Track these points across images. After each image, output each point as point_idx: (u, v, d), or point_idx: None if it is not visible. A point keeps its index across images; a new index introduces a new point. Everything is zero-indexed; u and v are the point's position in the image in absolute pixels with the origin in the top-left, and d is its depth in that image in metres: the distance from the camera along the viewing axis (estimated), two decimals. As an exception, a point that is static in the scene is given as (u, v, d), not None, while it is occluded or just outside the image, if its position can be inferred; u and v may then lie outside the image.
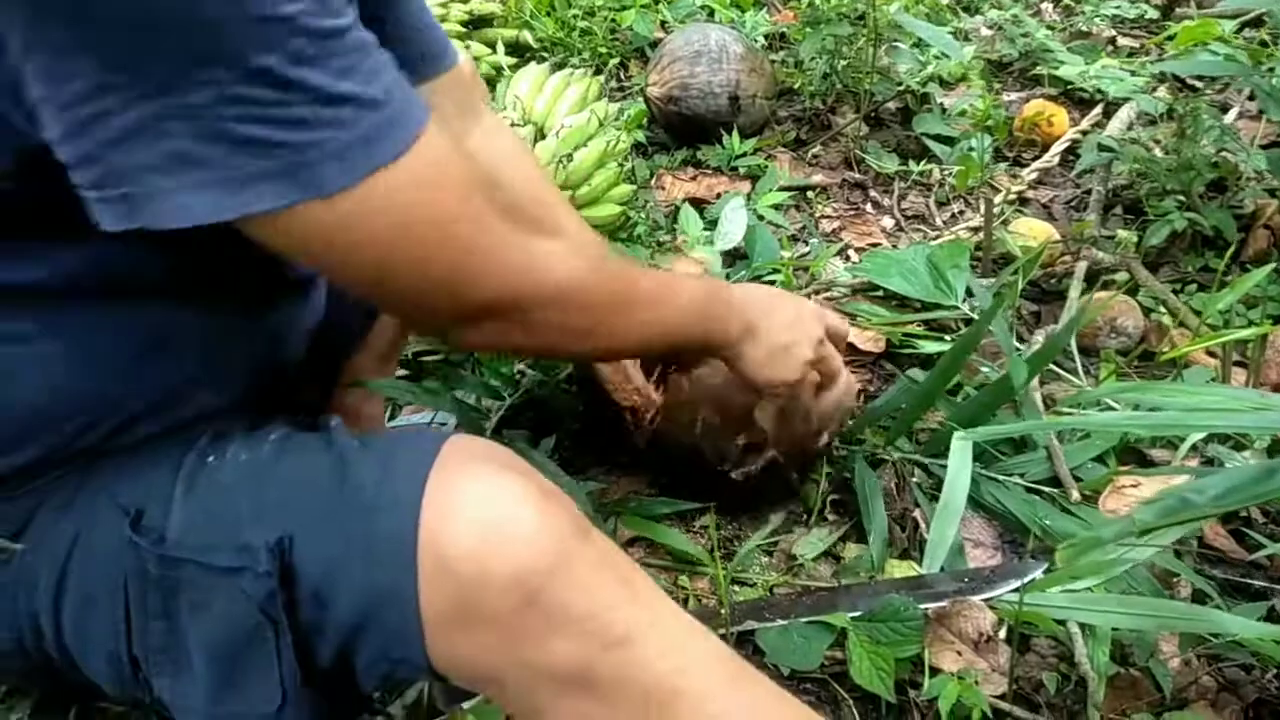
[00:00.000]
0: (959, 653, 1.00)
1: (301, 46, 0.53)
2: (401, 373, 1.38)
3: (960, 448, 1.05)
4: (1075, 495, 1.12)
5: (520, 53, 2.28)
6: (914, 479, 1.19)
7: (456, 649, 0.61)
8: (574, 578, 0.61)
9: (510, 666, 0.61)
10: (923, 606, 0.99)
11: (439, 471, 0.62)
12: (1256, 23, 1.97)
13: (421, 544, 0.60)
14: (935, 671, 0.97)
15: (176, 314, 0.69)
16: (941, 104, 2.06)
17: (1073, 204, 1.82)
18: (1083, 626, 0.97)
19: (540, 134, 1.62)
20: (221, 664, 0.63)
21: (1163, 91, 2.02)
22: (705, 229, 1.69)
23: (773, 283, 1.57)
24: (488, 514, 0.61)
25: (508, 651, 0.61)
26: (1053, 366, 1.35)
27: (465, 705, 0.89)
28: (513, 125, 1.54)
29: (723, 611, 1.01)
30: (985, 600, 1.02)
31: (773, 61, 2.13)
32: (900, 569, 1.10)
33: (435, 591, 0.59)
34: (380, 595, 0.61)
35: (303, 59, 0.53)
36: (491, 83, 2.22)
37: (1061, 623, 0.98)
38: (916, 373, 1.34)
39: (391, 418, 1.33)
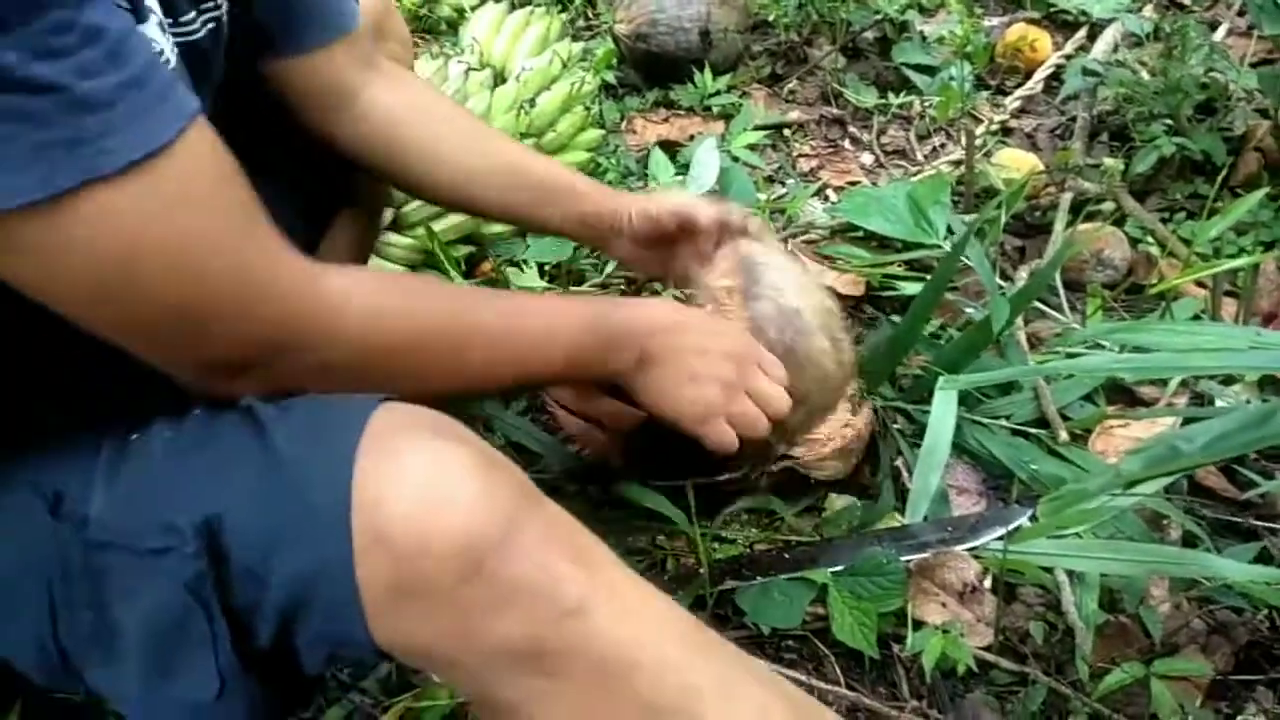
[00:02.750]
0: (943, 604, 0.98)
1: None
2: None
3: (944, 396, 1.02)
4: (1063, 435, 1.09)
5: (482, -8, 2.18)
6: (895, 426, 1.16)
7: (399, 625, 0.58)
8: (521, 548, 0.57)
9: (458, 643, 0.58)
10: (906, 558, 0.97)
11: (370, 440, 0.58)
12: (1247, -67, 1.89)
13: (356, 515, 0.56)
14: (919, 625, 0.94)
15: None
16: (921, 32, 1.98)
17: (1057, 132, 1.76)
18: (1070, 574, 0.95)
19: (500, 78, 1.54)
20: (154, 651, 0.59)
21: (1149, 10, 1.94)
22: (678, 173, 1.62)
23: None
24: (426, 482, 0.56)
25: (453, 626, 0.57)
26: (1037, 303, 1.31)
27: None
28: (469, 70, 1.46)
29: (701, 571, 0.98)
30: (969, 550, 0.99)
31: (745, -8, 2.04)
32: (883, 519, 1.07)
33: (373, 564, 0.56)
34: (316, 571, 0.57)
35: None
36: (453, 25, 2.13)
37: (1048, 570, 0.95)
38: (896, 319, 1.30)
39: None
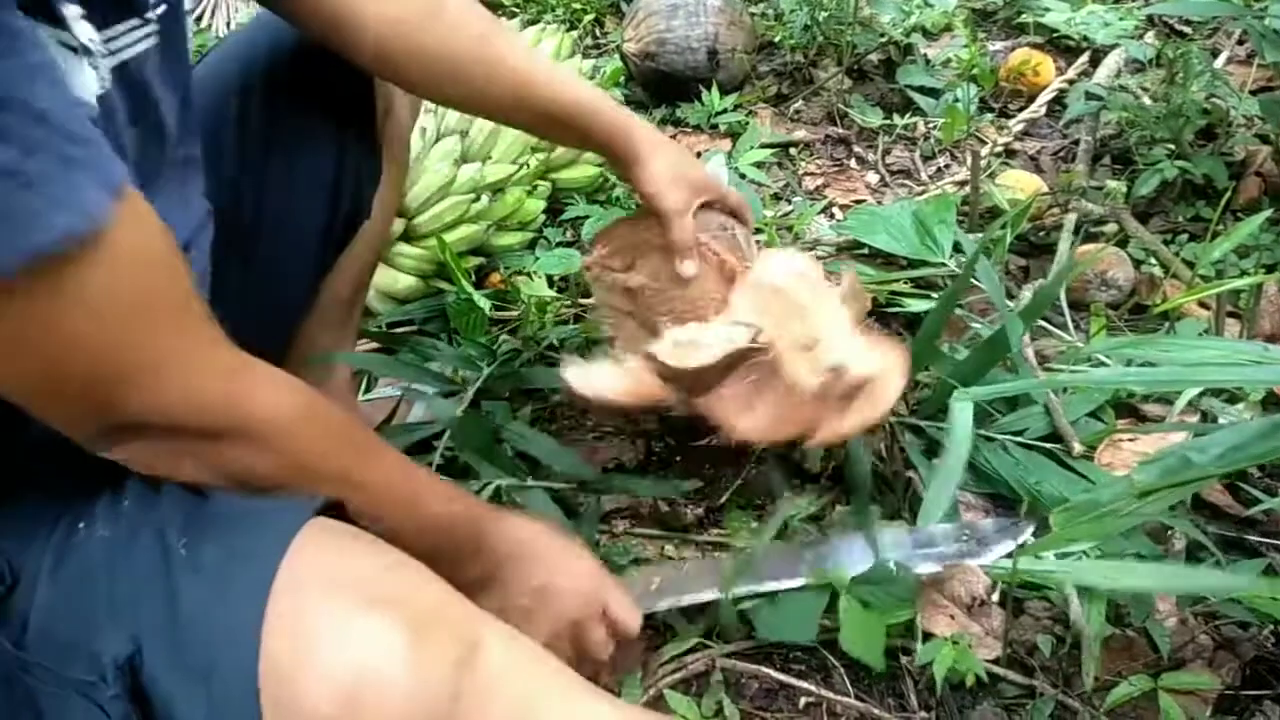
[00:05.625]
0: (952, 617, 0.98)
1: None
2: (372, 346, 1.34)
3: (961, 408, 1.02)
4: (1078, 448, 1.09)
5: (492, 10, 2.21)
6: (902, 441, 1.16)
7: None
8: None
9: None
10: (919, 569, 0.97)
11: (283, 604, 0.54)
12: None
13: (270, 701, 0.52)
14: (928, 636, 0.95)
15: None
16: (925, 55, 2.01)
17: (1060, 155, 1.78)
18: (1078, 589, 0.95)
19: (512, 93, 1.56)
20: None
21: (1151, 37, 1.97)
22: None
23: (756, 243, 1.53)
24: (349, 676, 0.52)
25: None
26: (1042, 322, 1.32)
27: None
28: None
29: (724, 598, 0.98)
30: (979, 564, 1.00)
31: (752, 14, 2.07)
32: (888, 533, 1.07)
33: None
34: None
35: None
36: (462, 42, 2.15)
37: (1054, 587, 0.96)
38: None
39: (366, 390, 1.29)
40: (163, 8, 0.67)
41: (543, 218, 1.58)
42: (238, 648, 0.53)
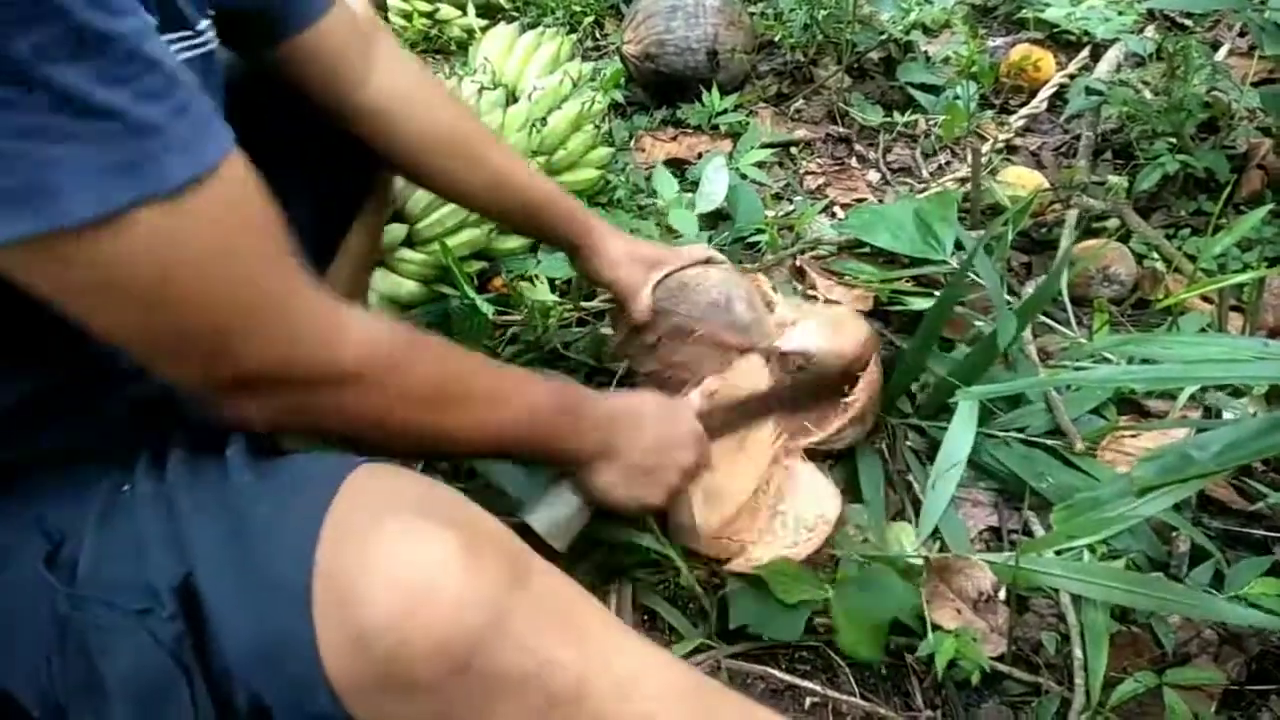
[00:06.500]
0: (958, 610, 0.98)
1: (54, 39, 0.46)
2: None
3: (964, 407, 1.03)
4: (1080, 445, 1.09)
5: (491, 14, 2.22)
6: (907, 441, 1.17)
7: (381, 709, 0.56)
8: (510, 636, 0.56)
9: None
10: None
11: (341, 518, 0.57)
12: (1246, -44, 1.91)
13: (328, 611, 0.54)
14: (935, 628, 0.95)
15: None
16: (925, 52, 2.01)
17: (1062, 150, 1.78)
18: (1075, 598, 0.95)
19: (512, 97, 1.56)
20: (139, 712, 0.58)
21: (1151, 30, 1.97)
22: (686, 190, 1.64)
23: (757, 244, 1.53)
24: (404, 581, 0.54)
25: (441, 717, 0.56)
26: (1045, 319, 1.32)
27: None
28: (482, 89, 1.49)
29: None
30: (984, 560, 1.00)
31: (751, 13, 2.07)
32: (893, 530, 1.07)
33: (350, 663, 0.54)
34: (278, 645, 0.55)
35: (54, 55, 0.47)
36: (463, 46, 2.16)
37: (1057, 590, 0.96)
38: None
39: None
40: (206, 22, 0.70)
41: (544, 221, 1.59)
42: (294, 560, 0.55)
